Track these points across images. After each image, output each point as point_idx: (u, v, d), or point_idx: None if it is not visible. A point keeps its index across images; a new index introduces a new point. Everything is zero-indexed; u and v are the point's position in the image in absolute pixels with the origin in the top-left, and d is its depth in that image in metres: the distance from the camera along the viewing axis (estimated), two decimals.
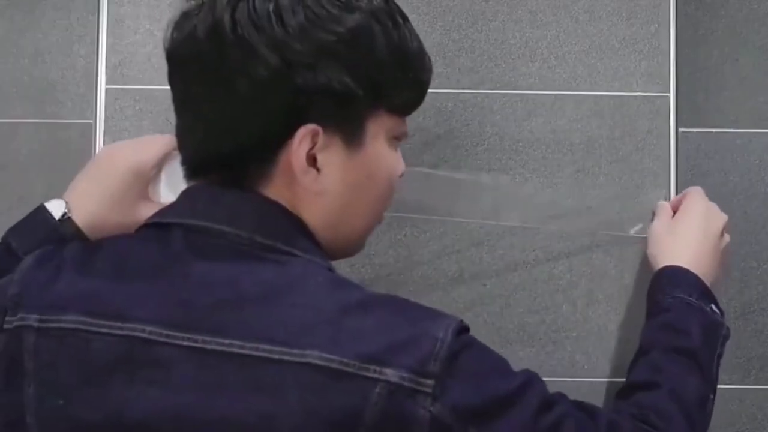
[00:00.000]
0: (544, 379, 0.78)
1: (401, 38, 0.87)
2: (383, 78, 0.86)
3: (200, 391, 0.78)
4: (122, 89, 1.16)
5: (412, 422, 0.78)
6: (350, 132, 0.86)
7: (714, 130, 1.18)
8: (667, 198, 1.16)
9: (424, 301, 1.12)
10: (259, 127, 0.84)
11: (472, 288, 1.16)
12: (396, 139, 0.91)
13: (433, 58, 1.16)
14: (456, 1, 1.18)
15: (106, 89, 1.16)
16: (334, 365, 0.77)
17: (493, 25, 1.18)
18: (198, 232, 0.84)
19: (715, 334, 1.03)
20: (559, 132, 1.17)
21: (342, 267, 1.15)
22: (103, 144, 1.16)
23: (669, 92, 1.17)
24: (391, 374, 0.78)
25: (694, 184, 1.16)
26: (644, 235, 1.13)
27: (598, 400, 1.15)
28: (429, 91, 1.15)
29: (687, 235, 1.08)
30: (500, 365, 0.86)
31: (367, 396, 0.77)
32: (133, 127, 1.16)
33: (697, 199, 1.11)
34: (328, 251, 0.89)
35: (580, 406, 0.89)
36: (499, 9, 1.18)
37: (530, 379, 0.85)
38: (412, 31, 0.89)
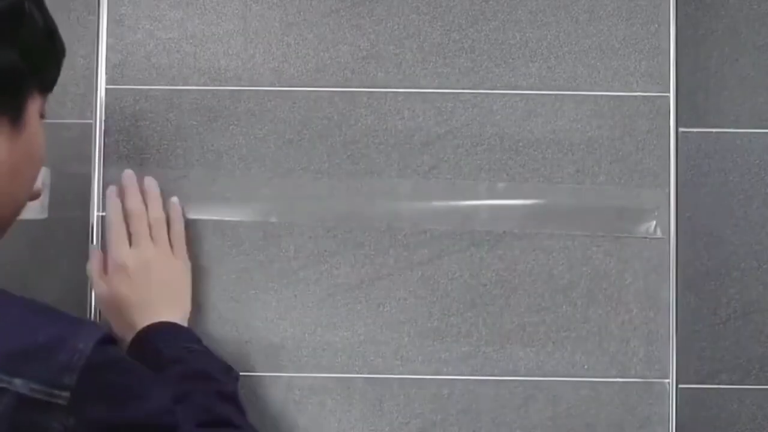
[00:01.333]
0: (545, 379, 0.77)
1: (47, 16, 0.87)
2: (40, 55, 0.85)
3: None
4: (122, 89, 1.16)
5: None
6: (15, 113, 0.84)
7: (714, 130, 1.18)
8: (668, 198, 1.16)
9: (424, 301, 1.15)
10: None
11: (471, 288, 1.16)
12: (42, 118, 0.89)
13: (433, 58, 1.18)
14: (456, 1, 1.18)
15: (106, 89, 1.16)
16: None
17: (493, 25, 1.18)
18: None
19: (228, 371, 1.04)
20: (559, 132, 1.17)
21: (341, 267, 1.15)
22: (104, 144, 1.16)
23: (669, 92, 1.17)
24: (20, 385, 0.74)
25: (694, 183, 1.16)
26: (659, 236, 1.13)
27: (598, 399, 1.15)
28: (429, 91, 1.16)
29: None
30: (142, 384, 0.83)
31: None
32: (133, 127, 1.16)
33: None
34: None
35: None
36: (499, 9, 1.18)
37: (166, 402, 0.84)
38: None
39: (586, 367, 1.16)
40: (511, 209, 1.16)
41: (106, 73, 1.16)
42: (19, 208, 0.90)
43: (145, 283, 1.06)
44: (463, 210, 1.16)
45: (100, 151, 1.15)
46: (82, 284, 1.13)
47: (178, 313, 1.06)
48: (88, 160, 1.15)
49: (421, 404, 1.15)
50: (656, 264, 1.16)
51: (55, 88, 1.16)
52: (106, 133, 1.16)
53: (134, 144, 1.16)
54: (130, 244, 1.09)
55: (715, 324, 1.17)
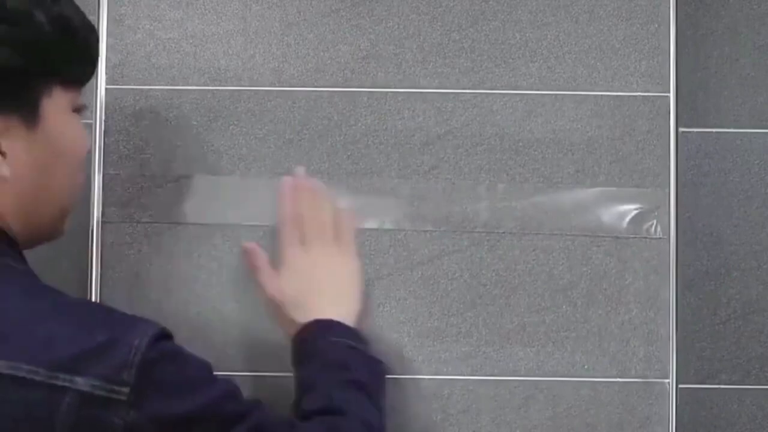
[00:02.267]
0: (545, 379, 0.77)
1: (62, 12, 0.87)
2: (50, 52, 0.86)
3: None
4: (122, 89, 1.16)
5: (107, 430, 0.77)
6: (27, 111, 0.85)
7: (714, 130, 1.18)
8: (668, 198, 1.16)
9: (424, 301, 1.15)
10: None
11: (471, 288, 1.16)
12: (76, 112, 0.90)
13: (433, 58, 1.17)
14: (456, 1, 1.18)
15: (106, 89, 1.16)
16: (21, 374, 0.76)
17: (493, 25, 1.18)
18: None
19: (376, 369, 1.03)
20: (559, 132, 1.17)
21: None
22: (104, 144, 1.16)
23: (669, 92, 1.17)
24: (82, 383, 0.77)
25: (694, 184, 1.16)
26: (659, 236, 1.13)
27: (598, 400, 1.15)
28: (429, 91, 1.16)
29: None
30: (199, 375, 0.85)
31: (56, 406, 0.76)
32: (133, 127, 1.16)
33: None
34: (24, 241, 0.88)
35: (280, 418, 0.89)
36: (499, 9, 1.18)
37: (229, 390, 0.85)
38: (73, 5, 0.90)
39: (586, 367, 1.15)
40: (511, 210, 1.16)
41: (106, 73, 1.16)
42: (64, 204, 0.91)
43: (311, 281, 1.05)
44: (463, 211, 1.16)
45: (100, 151, 1.15)
46: (82, 284, 1.13)
47: (342, 311, 1.04)
48: (88, 160, 1.15)
49: (421, 404, 1.15)
50: (656, 264, 1.16)
51: None
52: (106, 133, 1.16)
53: (134, 144, 1.16)
54: (301, 243, 1.07)
55: (715, 324, 1.17)
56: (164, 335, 0.83)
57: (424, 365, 1.15)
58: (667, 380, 1.15)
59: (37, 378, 0.77)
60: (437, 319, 1.15)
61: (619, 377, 1.15)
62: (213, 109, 1.16)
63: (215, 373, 0.88)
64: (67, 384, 0.77)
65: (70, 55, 0.89)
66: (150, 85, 1.16)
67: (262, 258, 1.07)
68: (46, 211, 0.90)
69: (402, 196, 1.16)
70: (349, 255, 1.09)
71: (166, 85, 1.17)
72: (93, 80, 1.15)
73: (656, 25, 1.17)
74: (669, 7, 1.17)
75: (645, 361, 1.15)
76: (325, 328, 1.01)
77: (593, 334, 1.16)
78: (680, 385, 1.15)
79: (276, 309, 1.06)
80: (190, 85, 1.16)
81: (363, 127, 1.17)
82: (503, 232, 1.16)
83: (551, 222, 1.16)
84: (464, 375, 1.15)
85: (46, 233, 0.92)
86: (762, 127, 1.18)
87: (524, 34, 1.18)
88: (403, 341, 1.15)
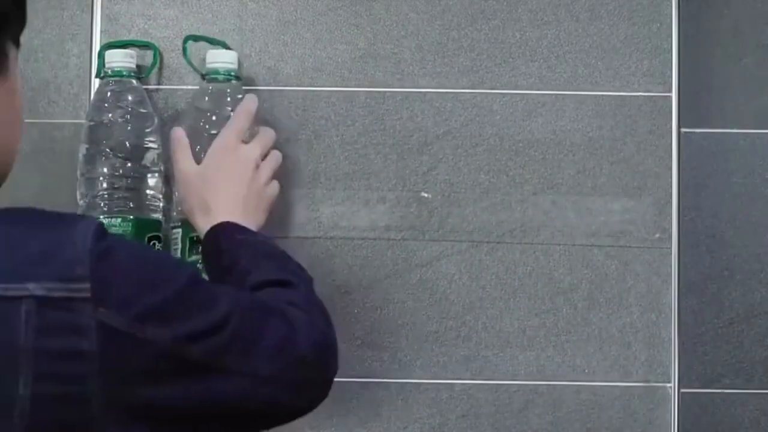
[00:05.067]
0: (545, 383, 0.77)
1: None
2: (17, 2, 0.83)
3: None
4: None
5: (77, 334, 0.73)
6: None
7: (717, 130, 1.18)
8: (669, 199, 1.16)
9: (423, 304, 1.15)
10: None
11: (471, 290, 1.15)
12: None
13: (432, 58, 1.17)
14: (455, 0, 1.17)
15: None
16: None
17: (493, 24, 1.17)
18: None
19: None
20: (559, 132, 1.17)
21: (338, 270, 1.14)
22: None
23: (671, 92, 1.16)
24: (34, 288, 0.72)
25: (696, 185, 1.16)
26: (660, 238, 1.13)
27: (599, 404, 1.14)
28: (428, 90, 1.16)
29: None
30: (160, 262, 0.83)
31: (14, 319, 0.72)
32: None
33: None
34: None
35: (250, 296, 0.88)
36: (498, 8, 1.17)
37: (194, 274, 0.83)
38: None
39: (586, 370, 1.15)
40: (510, 211, 1.16)
41: None
42: (11, 162, 0.87)
43: (246, 178, 1.05)
44: (462, 212, 1.15)
45: None
46: None
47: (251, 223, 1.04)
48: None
49: (419, 409, 1.14)
50: (658, 266, 1.15)
51: (48, 87, 1.16)
52: None
53: None
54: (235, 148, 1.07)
55: (718, 327, 1.17)
56: (104, 229, 0.78)
57: (422, 369, 1.14)
58: (669, 384, 1.15)
59: None
60: (436, 322, 1.15)
61: (621, 381, 1.14)
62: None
63: None
64: (18, 293, 0.72)
65: (23, 8, 0.86)
66: (145, 84, 1.15)
67: (184, 141, 1.07)
68: (7, 166, 0.86)
69: (400, 198, 1.15)
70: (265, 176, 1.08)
71: (161, 84, 1.16)
72: (87, 78, 1.16)
73: (658, 24, 1.17)
74: (671, 6, 1.17)
75: (647, 365, 1.15)
76: (242, 229, 1.01)
77: (594, 337, 1.15)
78: (682, 389, 1.15)
79: (192, 189, 1.05)
80: (186, 85, 1.16)
81: (361, 127, 1.16)
82: (503, 234, 1.16)
83: (551, 224, 1.15)
84: (463, 379, 1.14)
85: None
86: (766, 127, 1.18)
87: (524, 33, 1.17)
88: (402, 344, 1.15)
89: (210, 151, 1.06)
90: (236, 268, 0.96)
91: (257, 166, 1.06)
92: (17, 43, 0.85)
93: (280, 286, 0.93)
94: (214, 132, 1.08)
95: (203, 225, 1.03)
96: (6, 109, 0.84)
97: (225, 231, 1.01)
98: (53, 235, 0.77)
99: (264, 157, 1.08)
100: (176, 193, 1.10)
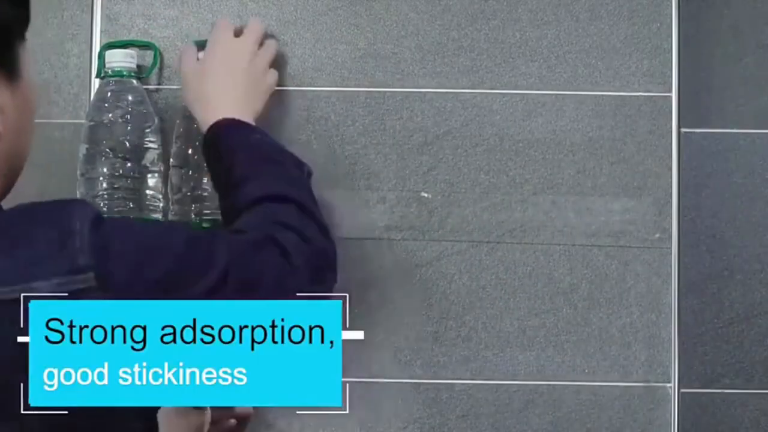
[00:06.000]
0: (545, 383, 0.77)
1: None
2: (27, 2, 0.84)
3: None
4: None
5: None
6: (10, 65, 0.83)
7: (717, 130, 1.18)
8: (669, 199, 1.16)
9: (423, 304, 1.15)
10: None
11: (471, 290, 1.15)
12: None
13: (432, 58, 1.17)
14: (455, 0, 1.17)
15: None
16: None
17: (493, 24, 1.17)
18: None
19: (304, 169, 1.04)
20: (559, 132, 1.17)
21: (339, 269, 1.14)
22: None
23: (671, 92, 1.16)
24: (41, 286, 0.75)
25: (697, 185, 1.16)
26: (660, 238, 1.13)
27: (599, 404, 1.14)
28: (428, 90, 1.16)
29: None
30: (156, 234, 0.86)
31: (20, 320, 0.74)
32: None
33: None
34: None
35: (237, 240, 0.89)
36: (498, 8, 1.17)
37: (189, 235, 0.86)
38: None
39: (586, 370, 1.15)
40: (510, 211, 1.15)
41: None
42: (21, 168, 0.89)
43: (242, 67, 1.08)
44: (462, 212, 1.15)
45: None
46: None
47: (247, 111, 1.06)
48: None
49: (419, 409, 1.14)
50: (658, 266, 1.15)
51: (48, 87, 1.16)
52: None
53: None
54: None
55: (718, 327, 1.17)
56: (100, 216, 0.81)
57: (422, 369, 1.14)
58: (669, 384, 1.14)
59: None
60: (436, 322, 1.15)
61: (621, 381, 1.14)
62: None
63: None
64: (25, 294, 0.74)
65: (27, 7, 0.87)
66: (145, 84, 1.15)
67: (192, 48, 1.11)
68: (20, 170, 0.88)
69: (400, 198, 1.15)
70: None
71: (162, 84, 1.16)
72: (87, 78, 1.16)
73: (658, 24, 1.17)
74: (671, 6, 1.17)
75: (647, 365, 1.14)
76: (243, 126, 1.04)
77: (594, 337, 1.15)
78: (682, 389, 1.15)
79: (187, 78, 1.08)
80: None
81: (361, 127, 1.16)
82: (503, 234, 1.16)
83: (551, 224, 1.15)
84: (463, 379, 1.14)
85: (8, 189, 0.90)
86: (766, 127, 1.18)
87: (524, 33, 1.17)
88: (401, 345, 1.15)
89: (207, 47, 1.09)
90: (234, 173, 0.99)
91: (252, 56, 1.09)
92: (24, 40, 0.86)
93: (275, 202, 0.95)
94: None
95: (203, 115, 1.05)
96: (19, 117, 0.85)
97: (222, 130, 1.02)
98: (51, 227, 0.78)
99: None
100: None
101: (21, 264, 0.76)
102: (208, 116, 1.04)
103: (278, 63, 1.13)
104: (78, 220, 0.78)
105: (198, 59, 1.09)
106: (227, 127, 1.03)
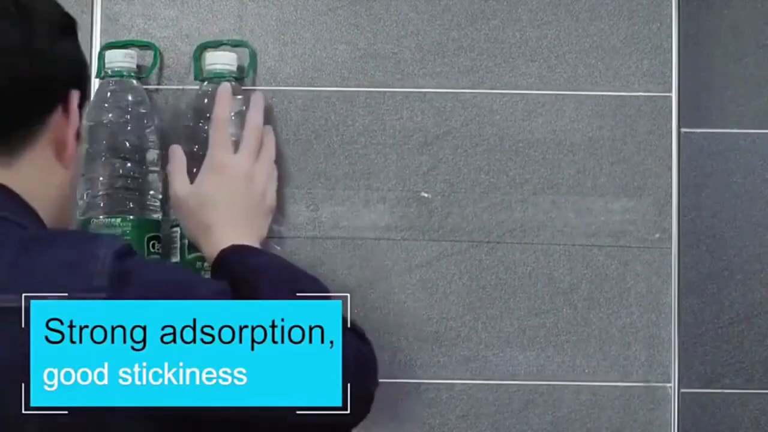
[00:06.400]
0: (545, 383, 0.77)
1: None
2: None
3: None
4: None
5: None
6: (64, 105, 0.90)
7: (717, 130, 1.18)
8: (669, 199, 1.16)
9: (423, 304, 1.14)
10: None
11: (470, 291, 1.15)
12: None
13: (432, 58, 1.17)
14: (455, 0, 1.17)
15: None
16: (5, 304, 0.77)
17: (493, 24, 1.17)
18: None
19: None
20: (559, 132, 1.17)
21: (338, 270, 1.14)
22: None
23: (671, 92, 1.16)
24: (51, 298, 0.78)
25: (697, 185, 1.16)
26: (660, 238, 1.13)
27: (599, 404, 1.14)
28: (428, 90, 1.16)
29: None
30: (180, 276, 0.88)
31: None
32: None
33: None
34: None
35: None
36: (498, 8, 1.17)
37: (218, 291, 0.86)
38: None
39: (586, 371, 1.15)
40: (510, 211, 1.15)
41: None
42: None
43: (241, 191, 1.05)
44: (462, 212, 1.15)
45: None
46: None
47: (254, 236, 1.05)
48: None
49: (419, 409, 1.14)
50: (658, 266, 1.15)
51: None
52: None
53: None
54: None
55: (718, 327, 1.17)
56: (130, 250, 0.83)
57: (422, 369, 1.14)
58: (669, 384, 1.14)
59: (14, 305, 0.77)
60: (436, 322, 1.15)
61: (621, 381, 1.14)
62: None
63: None
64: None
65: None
66: (145, 84, 1.15)
67: (180, 160, 1.08)
68: (71, 204, 0.94)
69: (400, 198, 1.15)
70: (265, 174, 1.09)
71: (162, 84, 1.16)
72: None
73: (658, 24, 1.17)
74: (671, 6, 1.17)
75: (647, 365, 1.14)
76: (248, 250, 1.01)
77: (594, 337, 1.15)
78: (682, 390, 1.15)
79: (192, 209, 1.05)
80: (186, 85, 1.15)
81: (361, 127, 1.16)
82: (503, 234, 1.16)
83: (551, 224, 1.15)
84: (463, 379, 1.14)
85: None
86: (766, 127, 1.18)
87: (524, 33, 1.17)
88: (401, 345, 1.14)
89: (202, 168, 1.06)
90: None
91: (251, 176, 1.06)
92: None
93: None
94: None
95: (207, 247, 1.03)
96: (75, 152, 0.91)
97: (234, 258, 1.00)
98: (78, 253, 0.81)
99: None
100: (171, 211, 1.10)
101: (41, 278, 0.78)
102: (211, 245, 1.02)
103: (271, 117, 1.12)
104: (104, 248, 0.80)
105: (191, 182, 1.06)
106: (238, 254, 1.00)
